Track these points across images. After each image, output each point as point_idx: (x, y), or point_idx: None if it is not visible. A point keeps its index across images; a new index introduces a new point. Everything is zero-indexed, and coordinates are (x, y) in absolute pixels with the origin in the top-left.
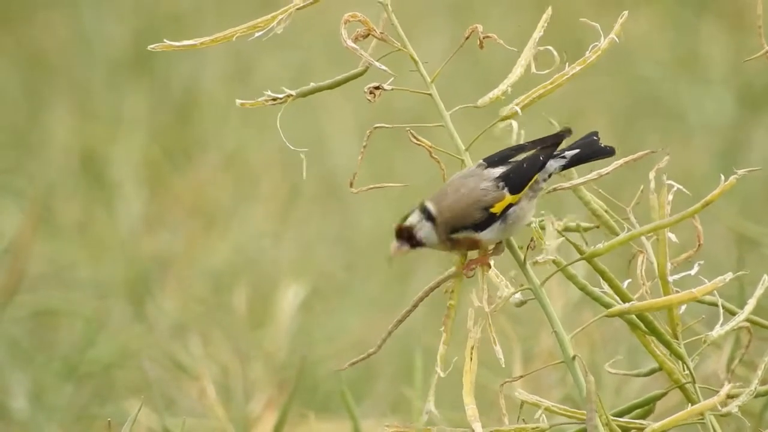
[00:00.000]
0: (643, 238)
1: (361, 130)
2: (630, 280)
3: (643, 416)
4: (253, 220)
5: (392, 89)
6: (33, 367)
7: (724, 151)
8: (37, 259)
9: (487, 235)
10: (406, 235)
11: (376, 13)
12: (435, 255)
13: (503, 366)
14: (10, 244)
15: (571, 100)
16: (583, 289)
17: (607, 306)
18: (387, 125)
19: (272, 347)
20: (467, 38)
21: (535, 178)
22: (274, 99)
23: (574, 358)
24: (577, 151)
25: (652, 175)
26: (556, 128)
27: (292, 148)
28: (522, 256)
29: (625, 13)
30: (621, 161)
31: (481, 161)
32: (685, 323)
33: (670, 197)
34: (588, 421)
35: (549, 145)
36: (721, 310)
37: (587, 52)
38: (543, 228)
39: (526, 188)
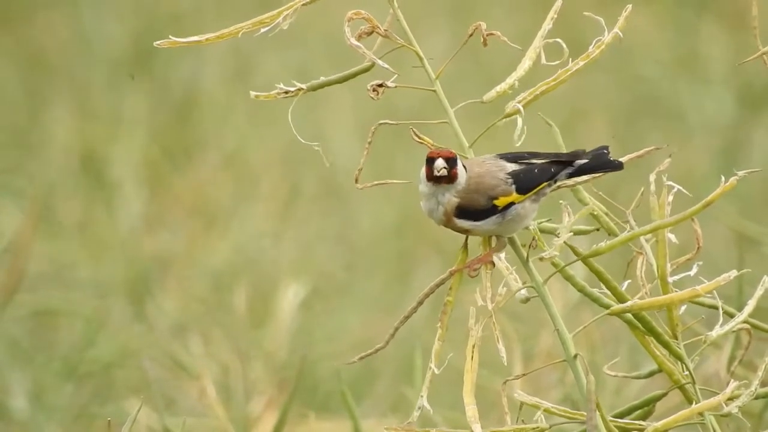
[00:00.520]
0: (642, 239)
1: (362, 131)
2: (630, 280)
3: (644, 417)
4: (253, 220)
5: (396, 86)
6: (33, 366)
7: (724, 151)
8: (37, 259)
9: (482, 226)
10: (452, 164)
11: (376, 12)
12: (435, 255)
13: (506, 365)
14: (10, 243)
15: (572, 100)
16: (581, 290)
17: (606, 307)
18: (391, 122)
19: (272, 347)
20: (471, 35)
21: (542, 185)
22: (286, 92)
23: (575, 357)
24: (586, 161)
25: (652, 177)
26: (555, 129)
27: (303, 141)
28: (525, 254)
29: (629, 6)
30: (625, 158)
31: (495, 155)
32: (684, 324)
33: (670, 198)
34: (588, 420)
35: (563, 161)
36: (721, 311)
37: (590, 47)
38: (542, 230)
39: (532, 193)
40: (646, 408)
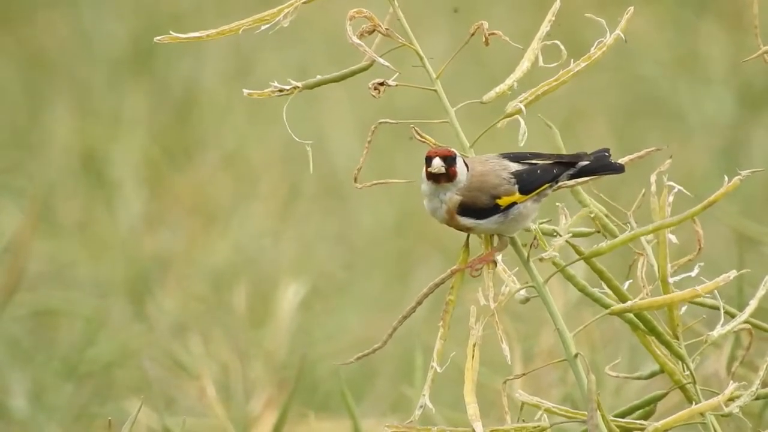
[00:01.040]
0: (643, 240)
1: (362, 130)
2: (630, 281)
3: (645, 417)
4: (253, 219)
5: (397, 85)
6: (33, 366)
7: (724, 151)
8: (37, 258)
9: (484, 224)
10: (450, 162)
11: (376, 11)
12: (436, 254)
13: (509, 363)
14: (10, 243)
15: (572, 100)
16: (582, 289)
17: (607, 307)
18: (391, 121)
19: (272, 346)
20: (472, 35)
21: (544, 186)
22: (281, 90)
23: (576, 356)
24: (587, 163)
25: (653, 178)
26: (555, 131)
27: (298, 140)
28: (525, 254)
29: (631, 8)
30: (625, 159)
31: (498, 154)
32: (685, 324)
33: (671, 198)
34: (589, 420)
35: (565, 162)
36: (722, 311)
37: (592, 48)
38: (544, 232)
39: (534, 193)
40: (647, 408)
